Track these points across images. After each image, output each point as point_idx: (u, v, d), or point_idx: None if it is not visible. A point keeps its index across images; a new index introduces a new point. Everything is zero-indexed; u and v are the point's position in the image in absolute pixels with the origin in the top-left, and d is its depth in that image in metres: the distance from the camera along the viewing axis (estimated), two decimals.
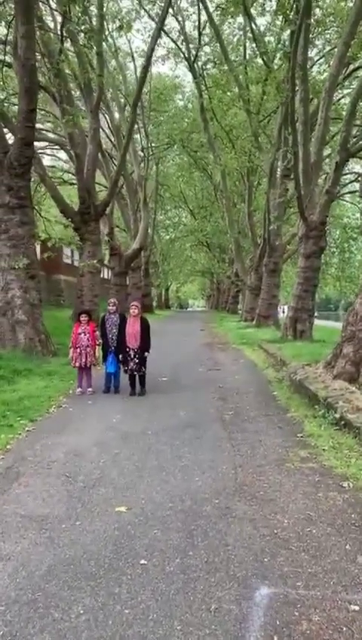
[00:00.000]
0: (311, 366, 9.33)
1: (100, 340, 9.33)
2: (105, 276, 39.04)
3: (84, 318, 9.23)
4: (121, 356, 9.09)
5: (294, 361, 11.12)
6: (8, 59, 14.74)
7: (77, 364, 9.15)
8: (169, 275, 55.20)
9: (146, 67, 18.33)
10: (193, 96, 33.22)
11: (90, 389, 9.19)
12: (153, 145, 31.70)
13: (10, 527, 4.13)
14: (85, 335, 9.10)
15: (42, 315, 12.77)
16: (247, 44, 23.86)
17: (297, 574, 3.44)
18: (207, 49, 28.37)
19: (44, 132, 24.55)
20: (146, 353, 9.07)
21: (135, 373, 9.07)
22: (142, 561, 3.58)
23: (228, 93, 25.21)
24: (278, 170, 21.53)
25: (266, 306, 23.03)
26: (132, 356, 9.02)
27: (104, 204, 19.01)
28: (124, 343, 8.99)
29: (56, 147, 27.56)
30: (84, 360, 9.07)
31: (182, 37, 26.61)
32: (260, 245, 28.63)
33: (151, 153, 31.04)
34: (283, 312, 31.36)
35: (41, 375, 10.21)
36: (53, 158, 32.24)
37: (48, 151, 29.81)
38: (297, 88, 15.67)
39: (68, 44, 17.51)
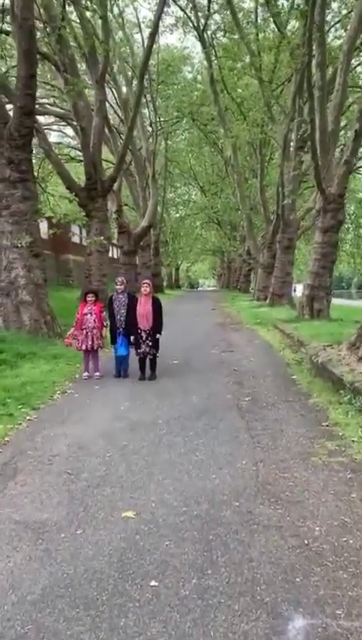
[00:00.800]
0: (332, 347, 8.71)
1: (107, 322, 8.77)
2: (114, 256, 38.41)
3: (90, 297, 8.66)
4: (132, 338, 8.54)
5: (313, 341, 10.49)
6: (7, 27, 13.99)
7: (82, 347, 8.62)
8: (179, 254, 54.29)
9: (154, 34, 17.44)
10: (202, 67, 32.09)
11: (97, 374, 8.66)
12: (161, 119, 30.70)
13: (2, 536, 3.62)
14: (92, 316, 8.53)
15: (47, 296, 12.22)
16: (259, 10, 22.74)
17: (336, 599, 2.89)
18: (216, 17, 27.26)
19: (48, 106, 23.72)
20: (158, 335, 8.50)
21: (147, 356, 8.52)
22: (153, 583, 3.05)
23: (239, 63, 24.19)
24: (292, 141, 20.60)
25: (280, 284, 22.29)
26: (144, 338, 8.46)
27: (111, 180, 18.28)
28: (135, 325, 8.43)
29: (63, 123, 26.72)
30: (90, 343, 8.52)
31: (190, 4, 25.55)
32: (273, 221, 27.78)
33: (159, 127, 30.08)
34: (295, 290, 30.65)
35: (46, 358, 9.68)
36: (60, 135, 31.41)
37: (55, 127, 28.97)
38: (313, 52, 14.78)
39: (71, 13, 16.72)
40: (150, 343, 8.46)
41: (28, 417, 6.44)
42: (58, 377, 8.48)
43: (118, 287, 8.72)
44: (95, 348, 8.60)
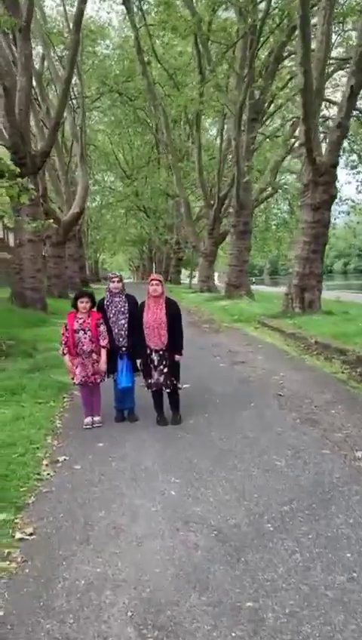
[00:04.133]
0: None
1: (105, 339, 5.64)
2: None
3: (84, 304, 5.54)
4: (138, 363, 5.71)
5: (346, 344, 8.21)
6: None
7: (77, 380, 5.64)
8: (101, 245, 50.69)
9: None
10: (125, 37, 29.02)
11: (97, 418, 5.73)
12: (81, 95, 27.22)
13: None
14: (85, 333, 5.55)
15: None
16: None
17: None
18: None
19: None
20: (178, 356, 5.71)
21: (163, 389, 5.71)
22: None
23: (174, 24, 21.45)
24: (245, 112, 18.26)
25: (236, 273, 19.97)
26: (156, 362, 5.64)
27: (43, 154, 15.04)
28: (141, 341, 5.60)
29: None
30: (90, 373, 5.57)
31: None
32: (214, 206, 25.50)
33: (77, 106, 26.59)
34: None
35: (1, 396, 6.58)
36: None
37: None
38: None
39: None
40: (165, 370, 5.64)
41: (16, 535, 3.48)
42: (33, 430, 5.44)
43: (112, 285, 5.77)
44: (98, 381, 5.68)
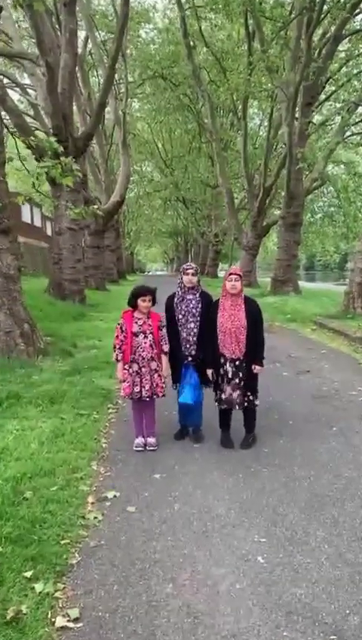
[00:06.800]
0: None
1: (166, 345, 4.72)
2: None
3: (146, 302, 4.57)
4: (209, 373, 4.74)
5: None
6: None
7: (132, 395, 4.65)
8: (138, 236, 49.85)
9: None
10: (175, 17, 27.92)
11: (151, 441, 4.78)
12: (122, 82, 26.28)
13: None
14: (147, 337, 4.59)
15: (22, 293, 8.07)
16: None
17: None
18: None
19: None
20: (257, 367, 4.72)
21: (237, 407, 4.74)
22: None
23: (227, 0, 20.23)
24: (299, 96, 17.04)
25: (284, 268, 18.80)
26: (230, 374, 4.66)
27: (86, 137, 14.17)
28: (213, 349, 4.65)
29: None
30: (147, 387, 4.61)
31: None
32: (258, 197, 24.30)
33: (121, 91, 25.67)
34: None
35: (38, 405, 5.69)
36: None
37: None
38: None
39: None
40: (241, 384, 4.68)
41: (57, 620, 2.55)
42: (75, 452, 4.53)
43: (186, 278, 4.75)
44: (157, 395, 4.71)
